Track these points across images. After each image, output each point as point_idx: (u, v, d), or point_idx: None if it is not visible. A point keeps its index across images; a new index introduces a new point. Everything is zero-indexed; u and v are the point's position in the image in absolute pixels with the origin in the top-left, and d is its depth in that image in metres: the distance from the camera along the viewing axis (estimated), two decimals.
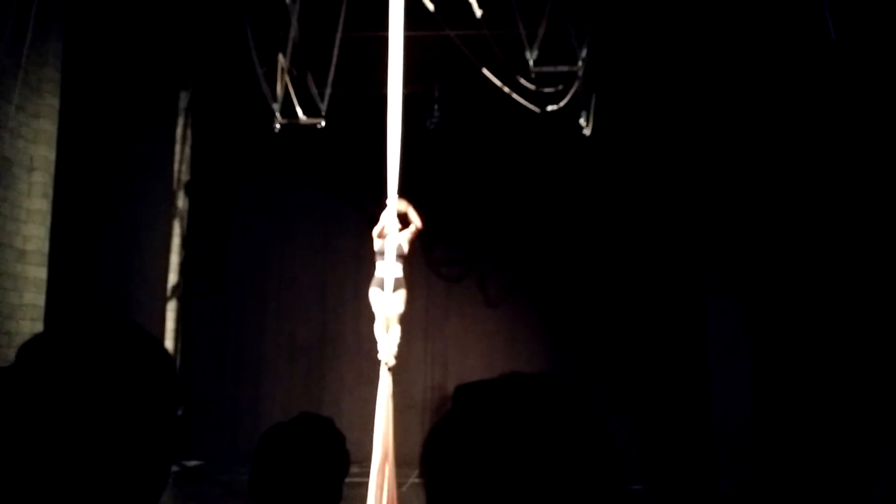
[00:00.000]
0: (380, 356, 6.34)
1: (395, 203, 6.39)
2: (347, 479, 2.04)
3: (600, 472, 0.83)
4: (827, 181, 7.88)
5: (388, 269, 6.37)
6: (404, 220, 6.82)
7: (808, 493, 7.70)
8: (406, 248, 6.73)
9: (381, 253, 6.50)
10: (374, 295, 6.48)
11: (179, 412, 0.95)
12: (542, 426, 0.83)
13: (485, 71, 8.46)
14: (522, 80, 8.37)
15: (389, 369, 6.30)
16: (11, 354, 0.96)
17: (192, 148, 11.08)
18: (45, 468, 0.88)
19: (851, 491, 7.16)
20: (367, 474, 5.98)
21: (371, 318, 6.54)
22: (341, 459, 2.00)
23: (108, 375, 0.93)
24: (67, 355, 0.93)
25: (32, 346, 0.95)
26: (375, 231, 6.70)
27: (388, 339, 6.35)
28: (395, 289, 6.37)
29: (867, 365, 7.16)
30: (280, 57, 8.38)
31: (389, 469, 5.90)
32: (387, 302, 6.33)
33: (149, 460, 0.94)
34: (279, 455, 1.95)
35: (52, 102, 7.74)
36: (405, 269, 6.56)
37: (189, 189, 11.02)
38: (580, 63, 8.07)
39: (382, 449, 5.93)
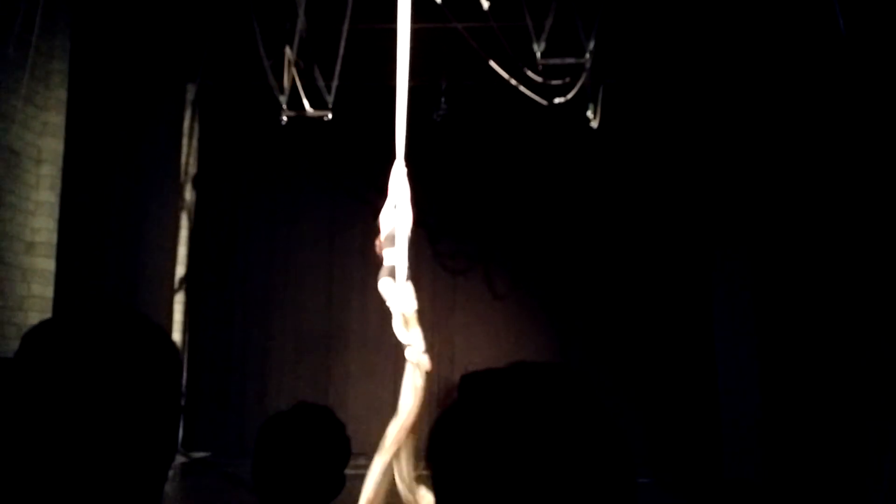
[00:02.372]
0: (409, 356, 5.99)
1: (405, 186, 6.28)
2: (355, 471, 2.04)
3: (607, 464, 0.82)
4: (835, 175, 7.85)
5: (400, 256, 6.01)
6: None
7: (814, 481, 7.70)
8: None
9: (391, 238, 6.11)
10: (386, 286, 6.03)
11: (182, 402, 0.95)
12: (549, 417, 0.83)
13: (492, 63, 8.44)
14: (530, 73, 8.35)
15: (425, 373, 6.00)
16: None
17: (200, 141, 11.09)
18: (48, 456, 0.88)
19: (858, 479, 7.15)
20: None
21: (379, 311, 6.28)
22: (342, 446, 2.01)
23: (111, 363, 0.93)
24: (71, 344, 0.93)
25: (36, 334, 0.95)
26: (378, 242, 6.31)
27: (413, 341, 5.99)
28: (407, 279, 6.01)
29: (874, 356, 7.14)
30: (287, 49, 8.37)
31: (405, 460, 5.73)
32: (400, 293, 5.95)
33: (152, 450, 0.94)
34: (280, 445, 1.97)
35: (59, 95, 7.75)
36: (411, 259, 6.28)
37: (196, 182, 11.04)
38: (587, 55, 8.03)
39: (395, 444, 5.72)
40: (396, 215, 6.20)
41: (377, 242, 6.34)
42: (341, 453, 2.00)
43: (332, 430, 2.01)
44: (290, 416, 2.02)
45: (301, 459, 1.95)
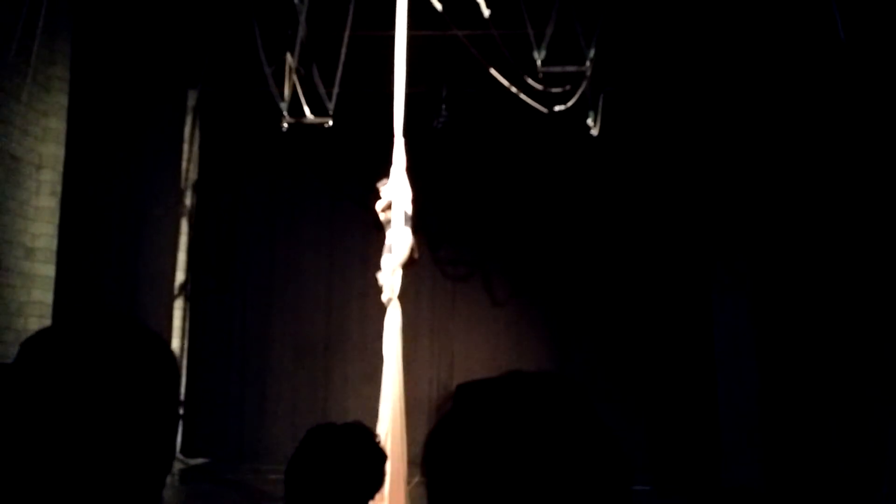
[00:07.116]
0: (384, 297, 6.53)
1: (401, 169, 6.42)
2: None
3: (602, 473, 0.83)
4: (833, 181, 7.87)
5: (398, 235, 6.45)
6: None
7: (813, 488, 7.69)
8: (411, 211, 6.73)
9: (388, 222, 6.58)
10: (385, 261, 6.62)
11: (180, 410, 0.95)
12: (544, 427, 0.83)
13: (492, 71, 8.45)
14: (530, 80, 8.36)
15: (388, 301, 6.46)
16: None
17: (200, 147, 11.09)
18: (46, 463, 0.88)
19: (858, 485, 7.14)
20: None
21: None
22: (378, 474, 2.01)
23: (109, 371, 0.93)
24: (69, 351, 0.93)
25: (35, 342, 0.95)
26: (380, 205, 6.86)
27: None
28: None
29: (873, 362, 7.15)
30: (288, 56, 8.39)
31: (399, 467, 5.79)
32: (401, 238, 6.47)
33: (150, 456, 0.94)
34: (318, 464, 1.95)
35: (60, 100, 7.76)
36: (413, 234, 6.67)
37: (197, 188, 11.04)
38: (588, 63, 8.05)
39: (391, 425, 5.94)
40: (395, 189, 6.51)
41: (380, 206, 6.85)
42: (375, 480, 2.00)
43: (371, 456, 2.00)
44: (334, 438, 2.00)
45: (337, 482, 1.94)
